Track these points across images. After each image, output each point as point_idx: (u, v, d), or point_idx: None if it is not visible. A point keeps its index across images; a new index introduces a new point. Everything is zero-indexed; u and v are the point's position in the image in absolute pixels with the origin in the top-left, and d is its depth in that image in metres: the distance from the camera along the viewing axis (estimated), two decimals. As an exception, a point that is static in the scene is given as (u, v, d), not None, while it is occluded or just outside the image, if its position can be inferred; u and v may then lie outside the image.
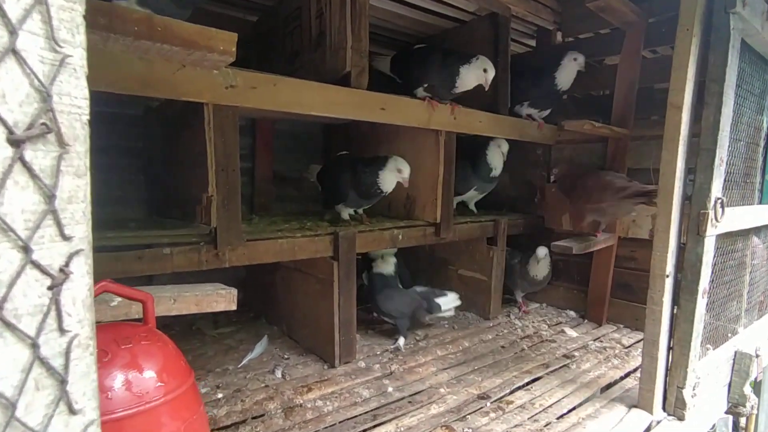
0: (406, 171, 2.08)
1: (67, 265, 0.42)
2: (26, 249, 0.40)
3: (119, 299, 0.93)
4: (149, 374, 0.76)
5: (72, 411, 0.43)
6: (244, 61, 1.82)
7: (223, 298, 1.09)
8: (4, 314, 0.37)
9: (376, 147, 2.59)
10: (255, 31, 2.75)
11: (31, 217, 0.40)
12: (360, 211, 2.30)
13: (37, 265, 0.40)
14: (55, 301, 0.41)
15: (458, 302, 2.41)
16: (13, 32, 0.36)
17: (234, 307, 1.14)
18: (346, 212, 2.22)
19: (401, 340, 2.25)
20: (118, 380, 0.72)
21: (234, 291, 1.14)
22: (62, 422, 0.42)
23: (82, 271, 0.43)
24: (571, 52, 2.50)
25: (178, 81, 1.42)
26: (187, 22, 1.10)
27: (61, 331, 0.41)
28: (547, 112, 2.72)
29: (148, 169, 2.40)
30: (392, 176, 2.08)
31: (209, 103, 1.53)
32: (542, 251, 2.58)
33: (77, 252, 0.42)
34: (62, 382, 0.42)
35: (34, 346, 0.40)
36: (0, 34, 0.36)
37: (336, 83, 1.86)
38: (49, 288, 0.40)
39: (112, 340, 0.76)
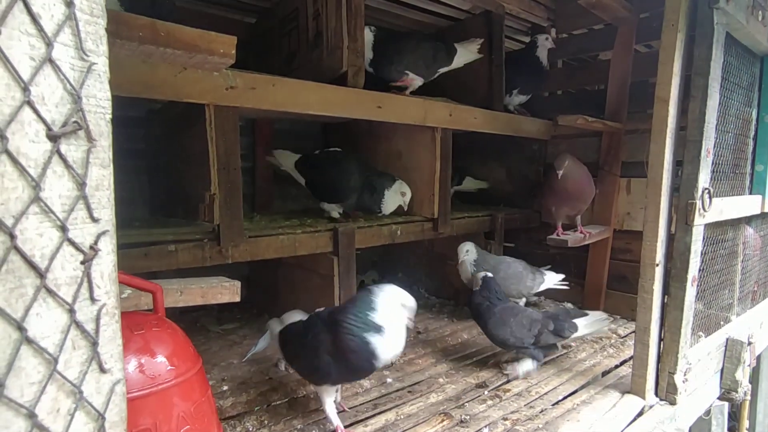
0: (408, 195, 2.20)
1: (96, 243, 0.48)
2: (63, 228, 0.46)
3: (129, 291, 0.98)
4: (161, 358, 0.82)
5: (102, 370, 0.49)
6: (242, 62, 1.87)
7: (227, 290, 1.14)
8: (47, 282, 0.43)
9: (374, 145, 2.64)
10: (253, 33, 2.79)
11: (67, 201, 0.47)
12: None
13: (72, 243, 0.46)
14: (87, 274, 0.47)
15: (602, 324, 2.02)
16: (49, 44, 0.42)
17: (238, 299, 1.19)
18: (336, 211, 2.23)
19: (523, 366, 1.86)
20: (132, 363, 0.78)
21: (237, 283, 1.19)
22: (94, 379, 0.49)
23: (108, 249, 0.49)
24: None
25: (180, 83, 1.47)
26: (187, 26, 1.15)
27: (92, 300, 0.48)
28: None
29: (151, 170, 2.45)
30: (396, 198, 2.18)
31: (210, 104, 1.58)
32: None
33: (104, 232, 0.49)
34: (94, 344, 0.48)
35: (71, 311, 0.46)
36: (38, 45, 0.42)
37: (333, 83, 1.91)
38: (82, 262, 0.46)
39: (126, 326, 0.80)
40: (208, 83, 1.53)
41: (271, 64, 2.48)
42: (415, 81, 2.27)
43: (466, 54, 2.41)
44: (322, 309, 1.50)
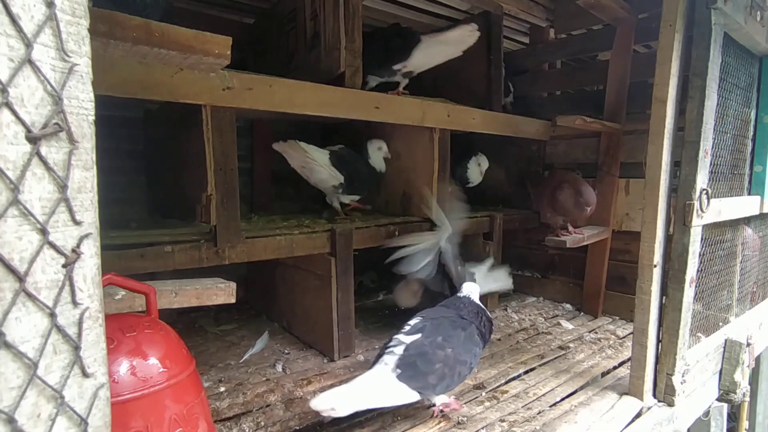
0: (384, 146, 2.36)
1: (78, 246, 0.47)
2: (44, 231, 0.46)
3: (123, 293, 0.97)
4: (153, 360, 0.81)
5: (85, 374, 0.49)
6: (241, 62, 1.87)
7: (222, 291, 1.14)
8: (26, 286, 0.43)
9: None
10: (251, 34, 2.79)
11: (47, 204, 0.46)
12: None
13: (53, 246, 0.46)
14: (69, 278, 0.47)
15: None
16: (28, 45, 0.42)
17: (233, 300, 1.18)
18: (345, 200, 2.28)
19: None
20: (123, 365, 0.77)
21: (233, 284, 1.18)
22: (77, 383, 0.48)
23: (91, 252, 0.49)
24: None
25: (176, 84, 1.46)
26: (183, 27, 1.15)
27: (75, 303, 0.47)
28: None
29: (149, 171, 2.45)
30: (379, 155, 2.34)
31: (207, 105, 1.57)
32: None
33: (87, 235, 0.48)
34: (76, 348, 0.48)
35: (52, 315, 0.46)
36: (17, 46, 0.42)
37: (331, 83, 1.90)
38: (64, 266, 0.46)
39: (118, 328, 0.80)
40: (204, 84, 1.53)
41: (269, 65, 2.48)
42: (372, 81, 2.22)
43: (436, 45, 2.17)
44: (440, 310, 1.71)
